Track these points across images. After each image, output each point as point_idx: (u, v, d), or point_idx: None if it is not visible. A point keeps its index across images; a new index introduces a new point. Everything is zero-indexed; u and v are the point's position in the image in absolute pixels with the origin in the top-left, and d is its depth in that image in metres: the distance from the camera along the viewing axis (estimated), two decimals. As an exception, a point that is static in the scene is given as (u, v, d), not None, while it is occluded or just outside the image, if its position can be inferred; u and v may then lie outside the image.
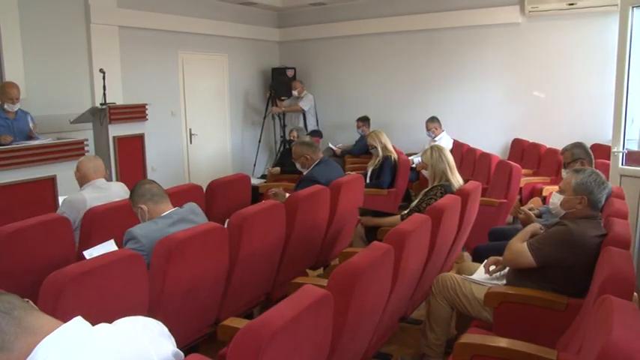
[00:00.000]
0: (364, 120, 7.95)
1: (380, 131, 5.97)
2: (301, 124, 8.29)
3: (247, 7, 8.86)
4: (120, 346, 1.31)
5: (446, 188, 3.82)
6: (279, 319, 1.65)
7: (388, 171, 5.65)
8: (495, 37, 7.70)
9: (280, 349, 1.61)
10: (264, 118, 8.69)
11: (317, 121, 8.69)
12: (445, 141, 7.00)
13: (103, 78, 5.60)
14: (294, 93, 8.53)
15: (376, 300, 2.43)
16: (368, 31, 8.75)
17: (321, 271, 4.21)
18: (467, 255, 4.57)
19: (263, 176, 7.46)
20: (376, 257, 2.29)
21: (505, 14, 7.50)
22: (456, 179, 3.94)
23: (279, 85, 8.91)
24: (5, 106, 5.19)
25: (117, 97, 6.33)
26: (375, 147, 5.74)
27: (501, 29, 7.61)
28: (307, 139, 4.82)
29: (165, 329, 1.45)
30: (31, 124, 5.28)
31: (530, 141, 7.20)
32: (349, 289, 2.09)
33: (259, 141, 8.94)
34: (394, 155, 5.77)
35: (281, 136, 8.61)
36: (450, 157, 4.00)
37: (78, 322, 1.31)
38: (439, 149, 4.01)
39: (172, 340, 1.46)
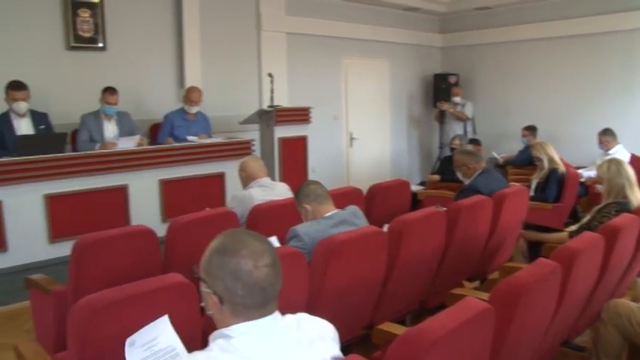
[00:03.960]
0: (531, 129, 7.54)
1: (546, 142, 5.68)
2: (460, 132, 8.12)
3: (410, 12, 8.86)
4: (303, 347, 1.41)
5: (622, 206, 3.51)
6: (440, 329, 1.64)
7: (554, 184, 5.34)
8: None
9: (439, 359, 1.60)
10: (437, 121, 8.58)
11: (475, 129, 8.44)
12: (620, 155, 6.41)
13: (271, 82, 5.93)
14: (456, 99, 8.36)
15: (539, 319, 2.31)
16: (535, 36, 8.32)
17: (477, 283, 4.09)
18: (642, 282, 4.16)
19: (422, 183, 7.41)
20: (542, 274, 2.18)
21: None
22: (636, 197, 3.60)
23: (441, 91, 8.82)
24: (185, 108, 5.72)
25: (282, 100, 6.67)
26: (541, 159, 5.46)
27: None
28: (470, 147, 4.71)
29: (337, 334, 1.54)
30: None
31: None
32: (512, 305, 2.01)
33: (419, 147, 8.89)
34: (561, 168, 5.44)
35: (440, 144, 8.50)
36: (631, 172, 3.66)
37: (275, 318, 1.41)
38: (618, 163, 3.69)
39: (339, 344, 1.54)
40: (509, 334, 2.03)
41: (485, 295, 2.33)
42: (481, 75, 9.18)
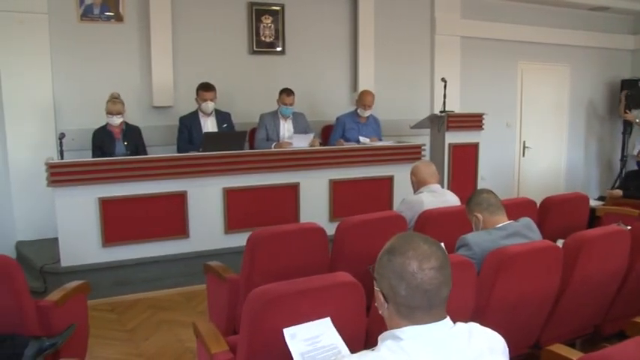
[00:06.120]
0: None
1: None
2: None
3: (597, 12, 8.23)
4: (471, 357, 1.38)
5: None
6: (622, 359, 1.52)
7: None
8: None
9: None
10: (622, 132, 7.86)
11: None
12: None
13: (444, 86, 5.86)
14: None
15: None
16: None
17: (663, 314, 3.69)
18: None
19: (601, 198, 6.85)
20: None
21: None
22: None
23: (632, 96, 8.06)
24: (359, 111, 5.86)
25: (454, 105, 6.57)
26: None
27: None
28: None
29: (507, 348, 1.49)
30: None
31: None
32: None
33: (598, 159, 8.24)
34: None
35: (622, 157, 7.77)
36: None
37: (446, 324, 1.41)
38: None
39: (508, 359, 1.49)
40: None
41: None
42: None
